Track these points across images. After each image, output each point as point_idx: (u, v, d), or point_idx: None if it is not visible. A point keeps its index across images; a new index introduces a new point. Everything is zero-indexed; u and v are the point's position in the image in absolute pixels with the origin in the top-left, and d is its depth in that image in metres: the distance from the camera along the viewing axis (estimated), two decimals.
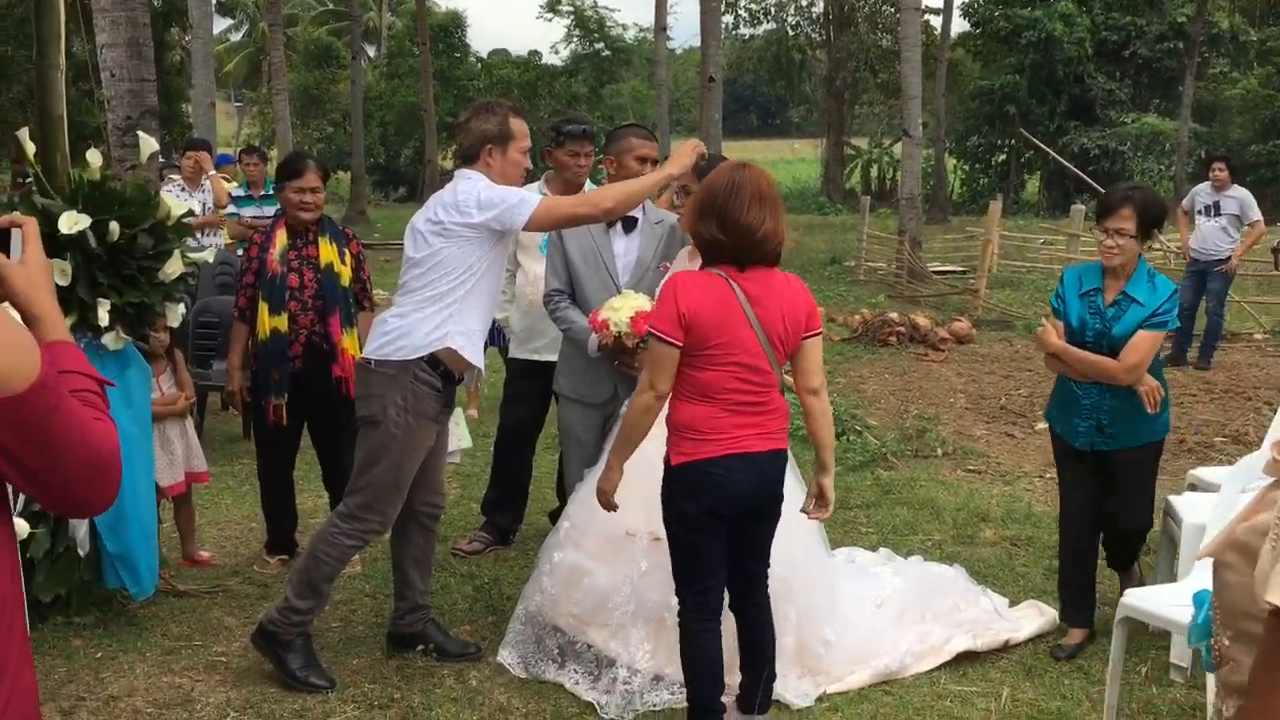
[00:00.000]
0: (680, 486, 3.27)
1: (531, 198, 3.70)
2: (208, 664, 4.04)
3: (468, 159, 3.84)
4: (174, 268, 4.23)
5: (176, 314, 4.42)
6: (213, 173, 8.42)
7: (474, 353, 3.83)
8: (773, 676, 3.54)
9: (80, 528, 4.16)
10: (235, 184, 9.44)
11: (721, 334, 3.18)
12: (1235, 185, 9.82)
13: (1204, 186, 10.03)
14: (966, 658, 4.09)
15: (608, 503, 3.44)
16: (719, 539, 3.31)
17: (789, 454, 3.55)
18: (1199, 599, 1.50)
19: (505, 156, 3.81)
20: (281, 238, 4.86)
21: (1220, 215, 9.74)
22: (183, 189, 8.33)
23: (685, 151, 3.74)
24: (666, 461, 3.31)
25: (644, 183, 3.81)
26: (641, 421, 3.28)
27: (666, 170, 3.76)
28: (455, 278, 3.71)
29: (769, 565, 3.50)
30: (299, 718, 3.66)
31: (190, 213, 4.36)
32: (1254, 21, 32.83)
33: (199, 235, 8.05)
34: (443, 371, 3.78)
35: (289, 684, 3.82)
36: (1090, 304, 4.09)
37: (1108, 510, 4.28)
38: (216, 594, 4.69)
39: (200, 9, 14.57)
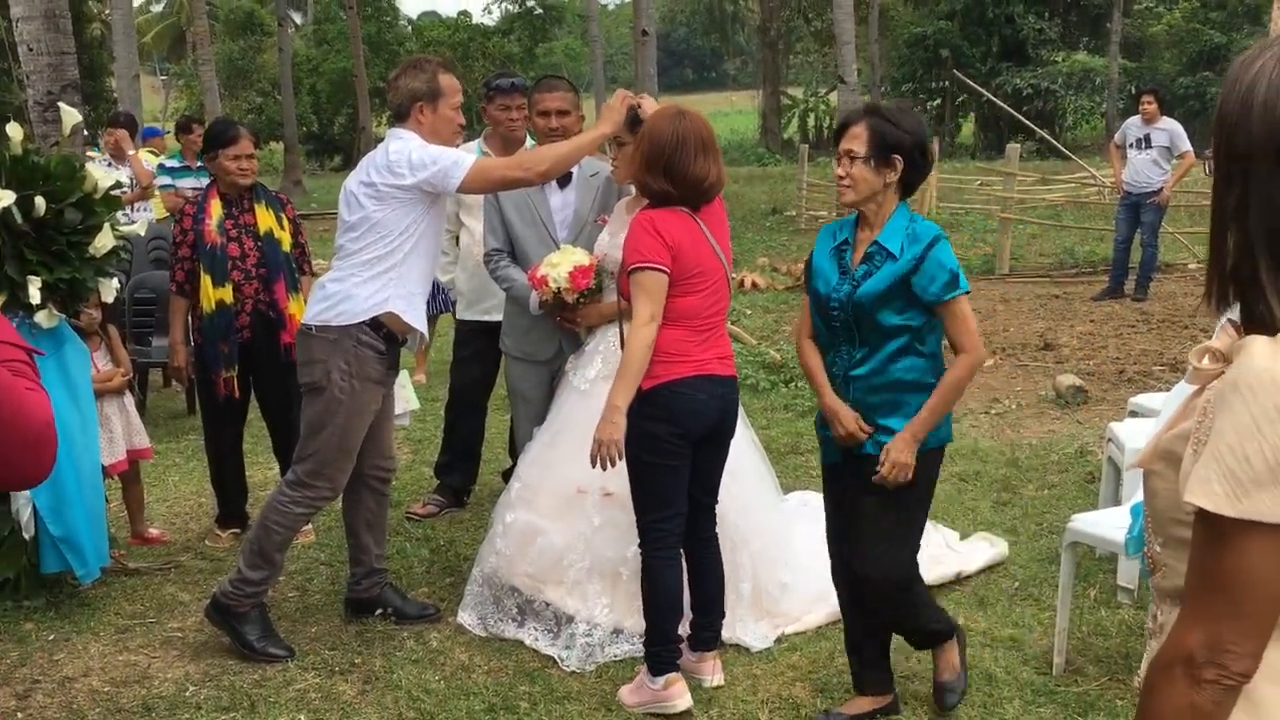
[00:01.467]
0: (650, 409, 3.28)
1: (465, 159, 3.64)
2: (163, 640, 4.01)
3: (399, 117, 3.79)
4: (104, 241, 4.14)
5: (110, 289, 4.33)
6: (133, 152, 8.16)
7: (415, 316, 3.79)
8: (721, 614, 3.62)
9: (24, 511, 4.09)
10: (164, 157, 9.23)
11: (701, 261, 3.30)
12: (1165, 118, 9.96)
13: (1134, 120, 10.16)
14: None
15: (608, 456, 3.23)
16: (684, 464, 3.36)
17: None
18: (1135, 511, 1.54)
19: (436, 113, 3.76)
20: (216, 207, 4.77)
21: (1151, 148, 9.88)
22: (109, 164, 8.12)
23: (615, 107, 3.70)
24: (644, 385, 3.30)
25: (577, 144, 3.76)
26: (646, 356, 3.22)
27: (600, 129, 3.72)
28: (392, 240, 3.66)
29: (716, 500, 3.56)
30: (259, 688, 3.64)
31: (118, 184, 4.26)
32: None
33: (129, 210, 7.88)
34: (385, 334, 3.75)
35: (247, 655, 3.80)
36: (840, 261, 3.15)
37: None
38: (169, 570, 4.63)
39: None
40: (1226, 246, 1.29)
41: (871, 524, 3.16)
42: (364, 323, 3.69)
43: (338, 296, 3.71)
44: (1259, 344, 1.21)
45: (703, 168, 3.28)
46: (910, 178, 3.08)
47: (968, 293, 3.04)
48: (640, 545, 3.45)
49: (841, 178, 3.06)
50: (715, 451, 3.49)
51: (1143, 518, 1.47)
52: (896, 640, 3.47)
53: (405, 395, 4.47)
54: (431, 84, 3.76)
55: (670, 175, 3.27)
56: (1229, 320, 1.33)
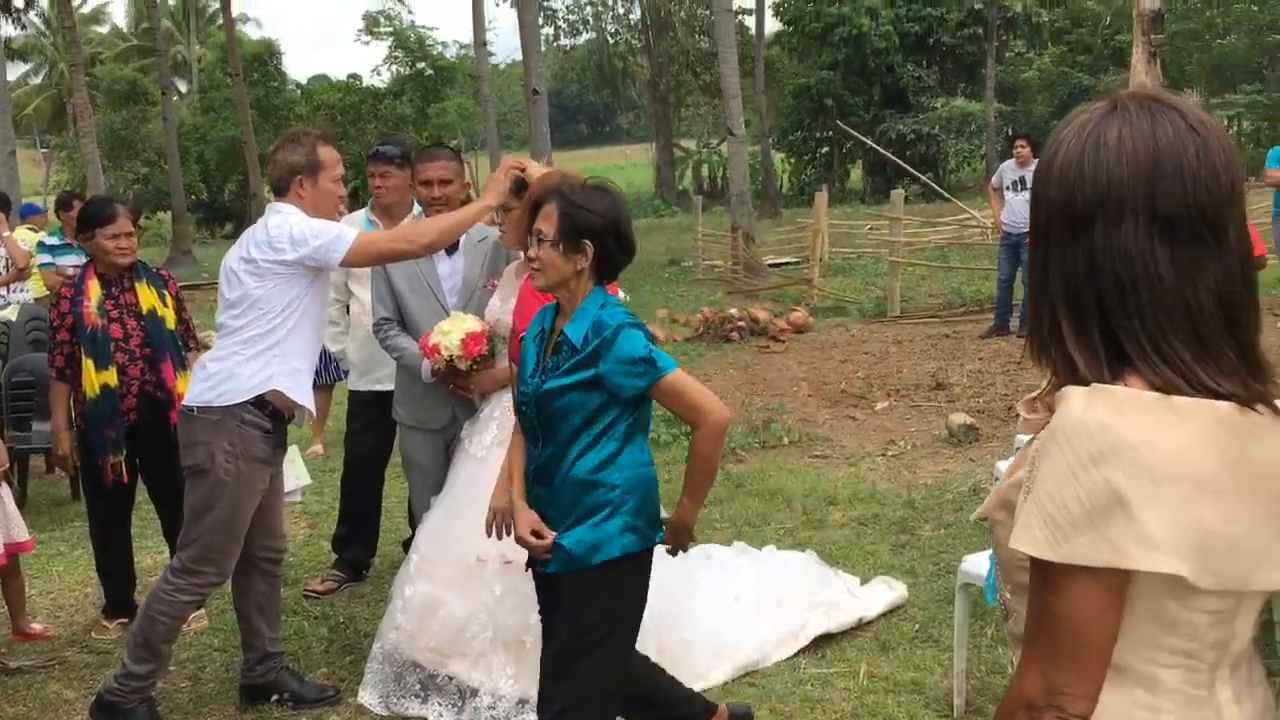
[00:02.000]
0: None
1: (348, 233, 3.61)
2: None
3: (279, 192, 3.75)
4: None
5: None
6: (7, 233, 7.87)
7: (301, 393, 3.73)
8: None
9: None
10: (44, 233, 8.95)
11: None
12: (1038, 160, 10.35)
13: (1010, 163, 10.54)
14: (823, 640, 4.20)
15: (506, 521, 3.10)
16: None
17: None
18: (992, 558, 1.59)
19: (317, 187, 3.72)
20: (95, 288, 4.64)
21: (1026, 189, 10.18)
22: None
23: (499, 178, 3.71)
24: None
25: (462, 216, 3.74)
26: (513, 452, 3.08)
27: (485, 201, 3.70)
28: (274, 317, 3.60)
29: None
30: None
31: None
32: (1045, 3, 34.75)
33: (4, 292, 7.63)
34: (271, 412, 3.67)
35: None
36: (538, 350, 2.90)
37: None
38: (53, 667, 4.44)
39: None
40: (1039, 306, 1.35)
41: (554, 655, 2.88)
42: (248, 402, 3.61)
43: (220, 376, 3.63)
44: (1075, 394, 1.26)
45: (632, 236, 3.26)
46: (605, 264, 2.84)
47: (672, 369, 2.74)
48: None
49: (532, 260, 2.84)
50: None
51: (994, 566, 1.52)
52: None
53: (295, 471, 4.38)
54: (310, 157, 3.73)
55: (621, 243, 3.20)
56: (1052, 370, 1.39)
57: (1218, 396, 1.26)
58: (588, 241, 2.78)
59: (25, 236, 8.32)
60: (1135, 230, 1.27)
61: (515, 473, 3.03)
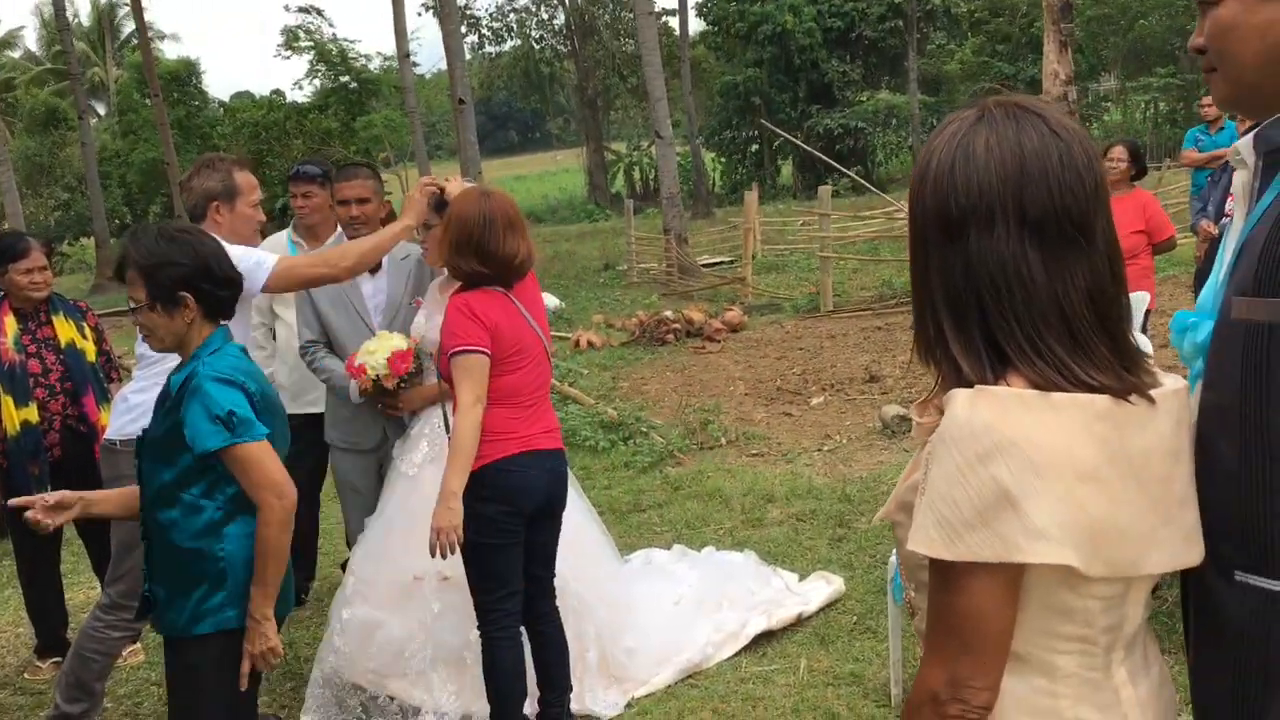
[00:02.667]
0: (481, 490, 3.27)
1: (268, 259, 3.58)
2: None
3: (195, 218, 3.71)
4: None
5: None
6: None
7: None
8: (567, 689, 3.61)
9: None
10: None
11: (520, 340, 3.35)
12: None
13: None
14: (764, 637, 4.24)
15: (447, 544, 3.18)
16: (517, 541, 3.37)
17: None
18: (895, 559, 1.63)
19: (234, 212, 3.70)
20: (10, 324, 4.55)
21: None
22: None
23: (416, 198, 3.73)
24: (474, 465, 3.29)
25: (381, 238, 3.74)
26: (474, 439, 3.22)
27: (404, 222, 3.72)
28: None
29: (554, 574, 3.56)
30: None
31: None
32: None
33: None
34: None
35: None
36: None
37: None
38: None
39: None
40: (922, 310, 1.39)
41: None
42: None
43: (141, 408, 3.58)
44: (960, 397, 1.31)
45: (512, 246, 3.33)
46: (213, 305, 2.71)
47: (251, 440, 2.58)
48: (479, 627, 3.42)
49: (143, 333, 2.73)
50: (549, 526, 3.51)
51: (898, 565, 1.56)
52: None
53: None
54: (227, 182, 3.70)
55: (481, 256, 3.30)
56: (940, 373, 1.43)
57: (1094, 390, 1.30)
58: (184, 294, 2.66)
59: None
60: (1007, 235, 1.31)
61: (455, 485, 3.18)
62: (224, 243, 3.59)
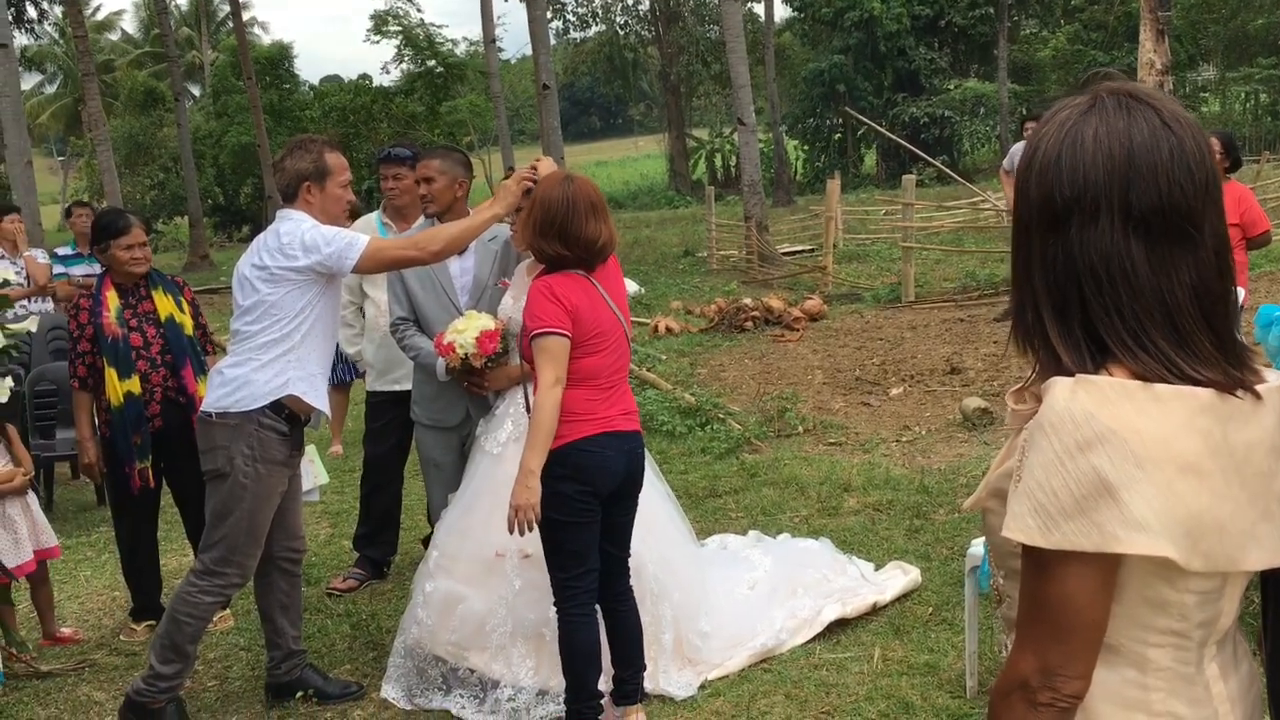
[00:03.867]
0: (559, 469, 3.32)
1: (359, 240, 3.67)
2: None
3: (287, 198, 3.81)
4: None
5: (3, 389, 4.26)
6: (27, 253, 7.99)
7: (317, 397, 3.80)
8: (642, 666, 3.65)
9: None
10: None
11: (600, 323, 3.37)
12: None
13: (1020, 145, 10.50)
14: (838, 625, 4.24)
15: (525, 521, 3.27)
16: (594, 520, 3.41)
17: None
18: (986, 545, 1.63)
19: (325, 192, 3.78)
20: (113, 298, 4.72)
21: None
22: (2, 257, 7.99)
23: (510, 188, 3.78)
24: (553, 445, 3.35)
25: (470, 223, 3.80)
26: (554, 419, 3.29)
27: (493, 209, 3.78)
28: (289, 323, 3.67)
29: (629, 554, 3.60)
30: None
31: (5, 282, 4.20)
32: None
33: (27, 303, 7.74)
34: (287, 415, 3.74)
35: None
36: None
37: None
38: (83, 670, 4.53)
39: (5, 67, 13.91)
40: (1022, 299, 1.39)
41: None
42: (265, 406, 3.68)
43: (236, 382, 3.70)
44: (1060, 385, 1.30)
45: (594, 230, 3.37)
46: None
47: None
48: (556, 604, 3.47)
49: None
50: (625, 506, 3.54)
51: (988, 553, 1.56)
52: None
53: (314, 471, 4.45)
54: (318, 163, 3.78)
55: (564, 239, 3.35)
56: (1038, 360, 1.43)
57: (1198, 384, 1.29)
58: None
59: (40, 254, 8.42)
60: (1111, 228, 1.30)
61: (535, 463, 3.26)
62: (315, 223, 3.70)
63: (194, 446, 4.62)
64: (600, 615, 3.54)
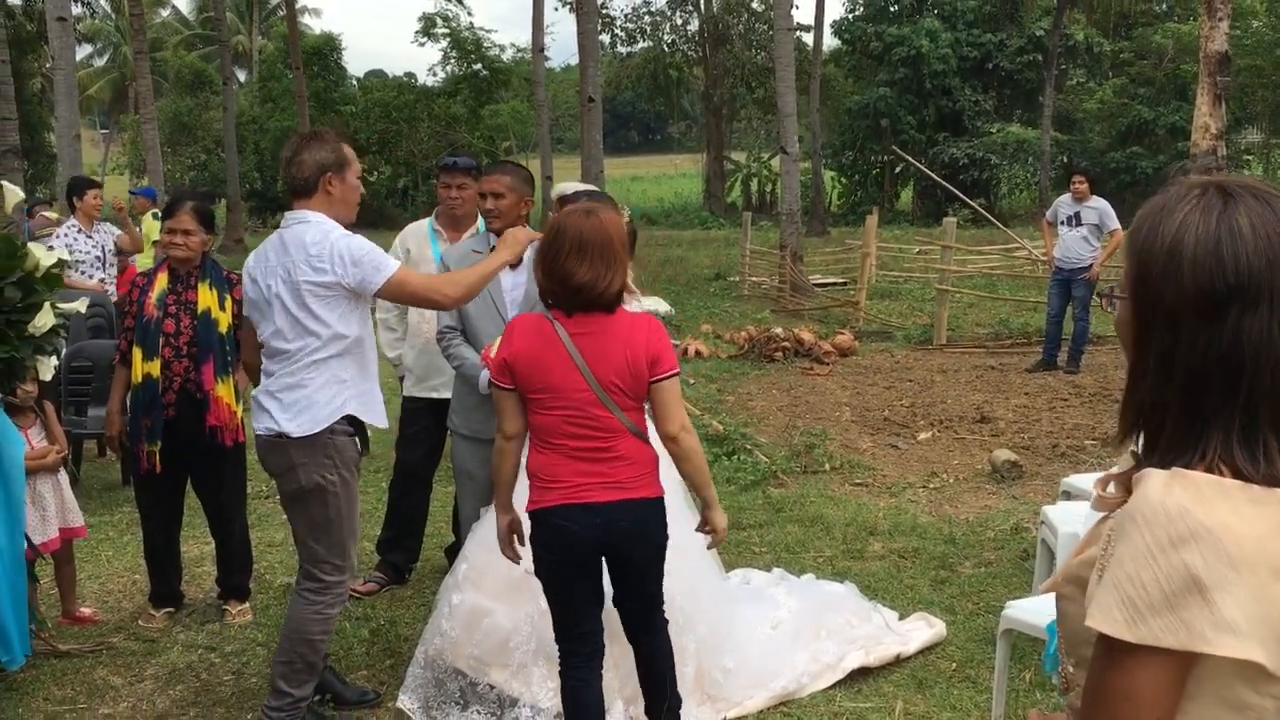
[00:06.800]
0: (535, 530, 3.30)
1: (388, 265, 3.60)
2: None
3: (303, 193, 3.70)
4: (44, 320, 4.09)
5: (48, 367, 4.28)
6: (129, 227, 8.37)
7: (372, 411, 3.78)
8: (677, 703, 3.55)
9: None
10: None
11: (546, 378, 3.16)
12: (1095, 197, 10.26)
13: (1065, 198, 10.47)
14: (860, 673, 4.20)
15: (507, 552, 3.43)
16: (576, 586, 3.30)
17: (677, 483, 3.61)
18: (1050, 630, 1.60)
19: (345, 183, 3.75)
20: (162, 281, 4.75)
21: (1081, 225, 10.17)
22: (80, 231, 8.14)
23: (519, 239, 3.75)
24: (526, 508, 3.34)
25: (484, 270, 3.73)
26: (498, 464, 3.33)
27: (500, 257, 3.73)
28: (331, 339, 3.62)
29: (659, 600, 3.48)
30: None
31: (60, 263, 4.22)
32: (1107, 34, 34.44)
33: (102, 274, 8.04)
34: (350, 419, 3.74)
35: None
36: None
37: None
38: (100, 652, 4.53)
39: (61, 40, 14.06)
40: (1144, 387, 1.36)
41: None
42: (332, 424, 3.68)
43: (299, 405, 3.63)
44: (1155, 477, 1.28)
45: (571, 267, 3.13)
46: None
47: None
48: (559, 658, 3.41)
49: None
50: (631, 569, 3.35)
51: (1056, 638, 1.54)
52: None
53: None
54: (338, 153, 3.75)
55: (545, 269, 3.19)
56: (1132, 451, 1.41)
57: None
58: None
59: (152, 227, 8.80)
60: (1270, 317, 1.29)
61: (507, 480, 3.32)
62: (344, 232, 3.65)
63: (207, 443, 4.65)
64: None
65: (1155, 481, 1.28)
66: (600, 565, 3.33)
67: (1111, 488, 1.43)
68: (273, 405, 3.68)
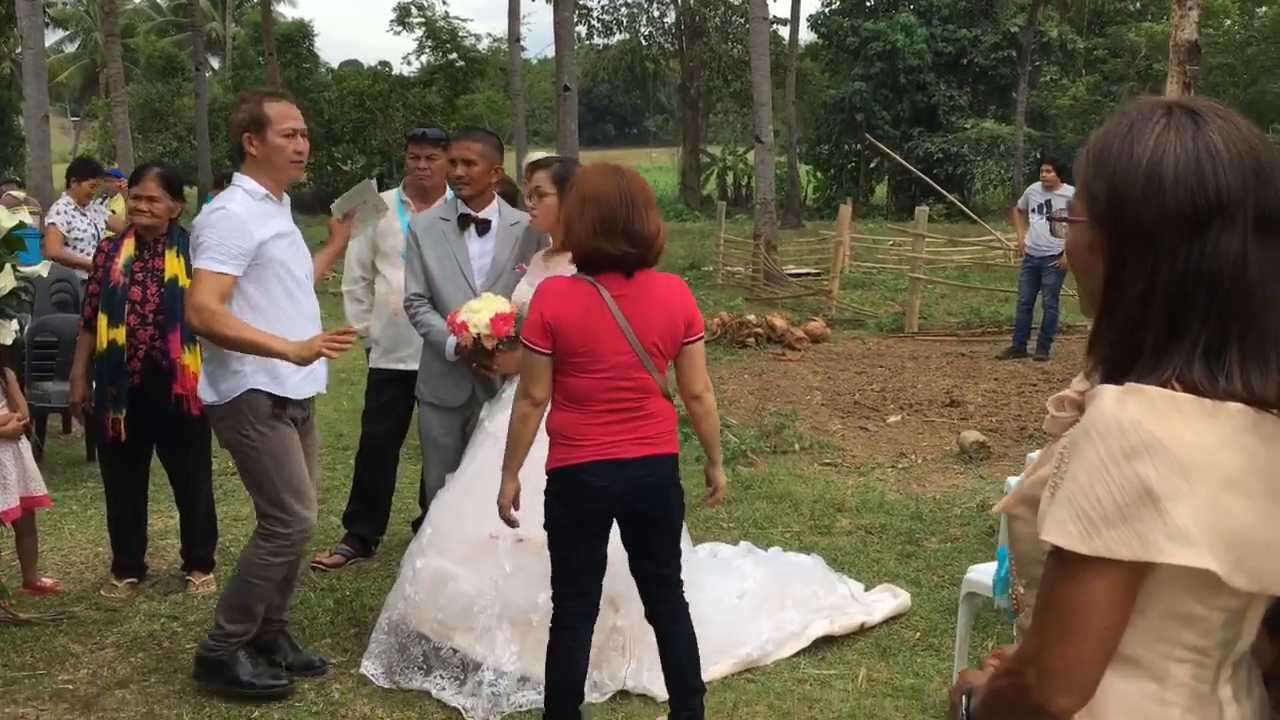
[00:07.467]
0: (554, 488, 3.23)
1: (210, 260, 3.58)
2: (53, 693, 3.88)
3: (240, 156, 3.78)
4: (4, 282, 4.05)
5: (8, 331, 4.24)
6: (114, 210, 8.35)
7: (291, 386, 3.76)
8: (697, 690, 3.43)
9: None
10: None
11: (589, 342, 3.11)
12: (1065, 184, 10.32)
13: (1036, 186, 10.54)
14: (825, 642, 4.22)
15: (507, 516, 3.34)
16: (591, 546, 3.28)
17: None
18: (1001, 554, 1.61)
19: (266, 142, 3.71)
20: (129, 247, 4.72)
21: (1050, 213, 10.23)
22: (76, 209, 8.09)
23: (313, 348, 3.55)
24: (547, 466, 3.26)
25: (259, 342, 3.60)
26: (521, 429, 3.22)
27: (288, 349, 3.56)
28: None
29: (679, 573, 3.42)
30: None
31: (21, 225, 4.18)
32: (1081, 31, 34.65)
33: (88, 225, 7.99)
34: (269, 398, 3.75)
35: (248, 697, 3.79)
36: None
37: None
38: (61, 621, 4.49)
39: (30, 19, 13.86)
40: (1120, 312, 1.35)
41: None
42: (244, 394, 3.72)
43: (213, 378, 3.76)
44: (1108, 392, 1.29)
45: (653, 223, 3.15)
46: None
47: None
48: (553, 616, 3.35)
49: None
50: (651, 528, 3.32)
51: (1008, 560, 1.54)
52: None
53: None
54: (255, 112, 3.71)
55: (629, 235, 3.10)
56: (1085, 371, 1.41)
57: (1251, 399, 1.28)
58: None
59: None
60: (1244, 234, 1.29)
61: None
62: (225, 214, 3.63)
63: (172, 413, 4.63)
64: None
65: (1108, 396, 1.29)
66: (611, 525, 3.30)
67: (1064, 408, 1.44)
68: (203, 373, 3.84)
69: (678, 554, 3.42)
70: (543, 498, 3.28)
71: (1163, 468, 1.24)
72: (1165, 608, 1.32)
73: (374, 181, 4.64)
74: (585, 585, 3.31)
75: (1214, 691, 1.37)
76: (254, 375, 3.71)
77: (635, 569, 3.40)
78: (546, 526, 3.29)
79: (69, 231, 7.94)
